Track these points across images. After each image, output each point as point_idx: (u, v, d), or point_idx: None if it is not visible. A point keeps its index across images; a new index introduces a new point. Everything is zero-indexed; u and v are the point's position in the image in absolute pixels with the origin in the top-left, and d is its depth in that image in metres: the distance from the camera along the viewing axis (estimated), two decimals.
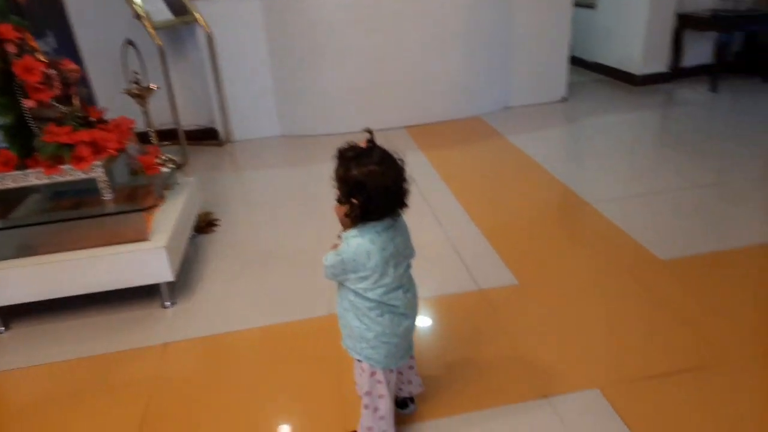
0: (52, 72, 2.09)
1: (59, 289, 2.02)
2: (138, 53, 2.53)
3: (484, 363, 1.73)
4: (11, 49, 2.00)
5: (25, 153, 2.00)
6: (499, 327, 1.89)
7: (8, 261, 1.99)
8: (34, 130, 2.00)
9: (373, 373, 1.35)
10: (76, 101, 2.17)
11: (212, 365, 1.85)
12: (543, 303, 2.01)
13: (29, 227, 1.98)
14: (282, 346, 1.90)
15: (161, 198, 2.28)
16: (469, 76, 4.14)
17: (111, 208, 2.00)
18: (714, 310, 1.89)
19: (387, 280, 1.24)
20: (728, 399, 1.52)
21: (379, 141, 1.21)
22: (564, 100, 4.45)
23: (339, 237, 1.28)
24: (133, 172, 2.28)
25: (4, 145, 2.09)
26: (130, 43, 2.51)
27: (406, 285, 1.32)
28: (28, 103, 2.01)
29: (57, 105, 2.07)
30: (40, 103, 2.03)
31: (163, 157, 2.43)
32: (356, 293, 1.27)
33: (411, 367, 1.51)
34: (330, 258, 1.26)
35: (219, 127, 4.07)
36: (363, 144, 1.20)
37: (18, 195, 2.17)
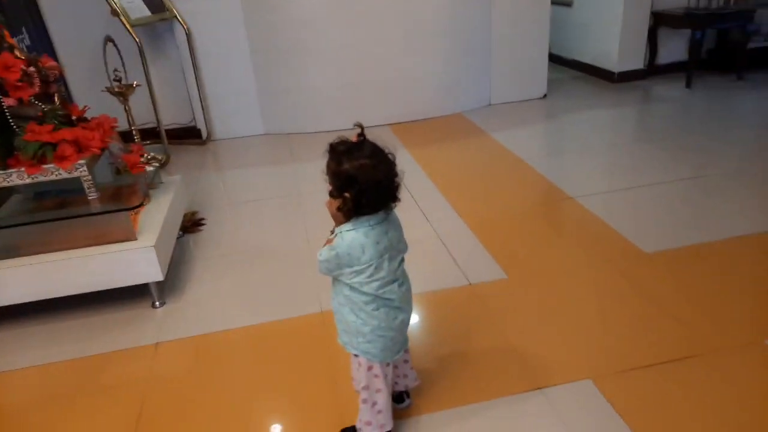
0: (32, 69, 2.04)
1: (49, 290, 1.99)
2: (118, 50, 2.49)
3: (478, 356, 1.75)
4: None
5: (6, 152, 1.95)
6: (490, 321, 1.92)
7: None
8: (15, 129, 1.95)
9: (370, 368, 1.35)
10: (56, 99, 2.12)
11: (205, 364, 1.83)
12: (532, 296, 2.04)
13: (15, 228, 1.93)
14: (274, 344, 1.90)
15: (147, 197, 2.24)
16: (451, 74, 4.16)
17: (97, 207, 1.97)
18: (699, 300, 1.94)
19: (382, 273, 1.25)
20: (716, 387, 1.57)
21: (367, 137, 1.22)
22: (544, 97, 4.51)
23: (332, 233, 1.29)
24: (118, 171, 2.24)
25: None
26: (110, 40, 2.46)
27: (401, 279, 1.33)
28: (7, 102, 1.96)
29: (37, 103, 2.02)
30: (20, 102, 1.99)
31: (147, 156, 2.38)
32: (352, 288, 1.28)
33: (406, 361, 1.52)
34: (324, 253, 1.26)
35: (200, 126, 4.02)
36: (354, 138, 1.21)
37: None
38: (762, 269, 2.12)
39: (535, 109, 4.32)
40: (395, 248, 1.29)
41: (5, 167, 1.93)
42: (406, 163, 3.32)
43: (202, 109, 3.95)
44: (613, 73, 4.77)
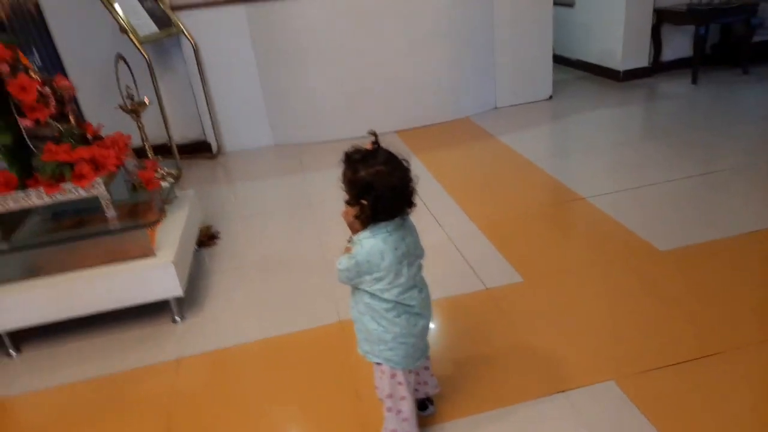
0: (47, 90, 2.08)
1: (70, 310, 2.01)
2: (129, 68, 2.52)
3: (498, 361, 1.75)
4: (4, 68, 1.97)
5: (25, 173, 1.98)
6: (508, 324, 1.92)
7: (17, 283, 1.98)
8: (33, 149, 1.98)
9: (393, 375, 1.36)
10: (72, 118, 2.15)
11: (228, 378, 1.84)
12: (549, 298, 2.04)
13: (36, 248, 1.95)
14: (294, 355, 1.91)
15: (163, 213, 2.26)
16: (456, 79, 4.18)
17: (116, 225, 1.99)
18: (715, 298, 1.94)
19: (402, 279, 1.27)
20: (739, 384, 1.57)
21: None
22: (550, 98, 4.51)
23: (350, 241, 1.30)
24: (133, 188, 2.27)
25: (2, 165, 2.07)
26: (122, 58, 2.49)
27: (420, 285, 1.35)
28: (24, 123, 1.98)
29: (54, 123, 2.05)
30: (37, 122, 2.01)
31: (162, 171, 2.41)
32: (372, 295, 1.29)
33: (426, 368, 1.53)
34: (344, 262, 1.28)
35: (210, 140, 4.05)
36: (368, 146, 1.23)
37: (18, 217, 2.14)
38: None
39: (542, 111, 4.33)
40: (413, 254, 1.30)
41: (24, 187, 1.96)
42: (415, 169, 3.33)
43: (212, 123, 3.99)
44: (618, 72, 4.77)
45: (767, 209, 2.49)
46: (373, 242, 1.23)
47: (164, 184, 2.35)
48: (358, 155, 1.22)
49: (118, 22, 3.23)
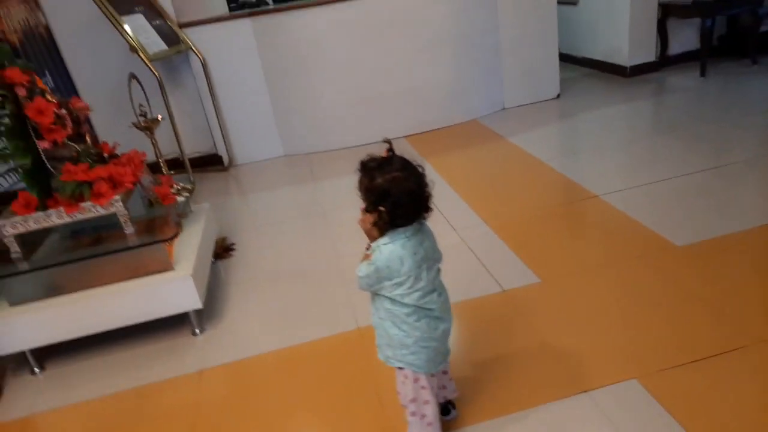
0: (63, 112, 2.12)
1: (92, 326, 2.04)
2: (141, 87, 2.57)
3: (519, 363, 1.75)
4: (21, 92, 2.02)
5: (45, 194, 2.02)
6: (528, 326, 1.92)
7: (39, 302, 2.01)
8: (51, 170, 2.02)
9: (416, 380, 1.37)
10: (88, 138, 2.20)
11: (249, 389, 1.86)
12: (567, 298, 2.04)
13: (58, 267, 1.98)
14: (315, 364, 1.92)
15: (179, 227, 2.29)
16: (462, 81, 4.19)
17: (134, 241, 2.02)
18: (735, 291, 1.92)
19: (422, 283, 1.28)
20: (765, 378, 1.55)
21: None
22: (558, 97, 4.51)
23: (368, 249, 1.32)
24: (150, 204, 2.30)
25: (21, 186, 2.11)
26: (134, 77, 2.53)
27: (439, 288, 1.36)
28: (43, 145, 2.03)
29: (71, 144, 2.09)
30: (55, 144, 2.06)
31: (177, 187, 2.44)
32: (392, 301, 1.30)
33: (445, 372, 1.53)
34: (363, 269, 1.29)
35: (221, 152, 4.09)
36: (384, 154, 1.25)
37: (37, 236, 2.18)
38: None
39: (550, 110, 4.32)
40: (431, 258, 1.32)
41: (44, 208, 2.00)
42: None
43: (222, 136, 4.03)
44: (625, 68, 4.76)
45: None
46: (392, 248, 1.25)
47: (180, 198, 2.38)
48: (374, 163, 1.24)
49: (128, 42, 3.28)
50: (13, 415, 1.91)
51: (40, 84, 2.17)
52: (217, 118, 3.97)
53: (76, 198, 1.98)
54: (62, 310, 2.00)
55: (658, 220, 2.43)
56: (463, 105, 4.27)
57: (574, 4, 5.17)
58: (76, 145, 2.09)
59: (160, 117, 2.57)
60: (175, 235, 2.04)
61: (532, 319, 1.95)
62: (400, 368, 1.38)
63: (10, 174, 2.56)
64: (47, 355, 2.14)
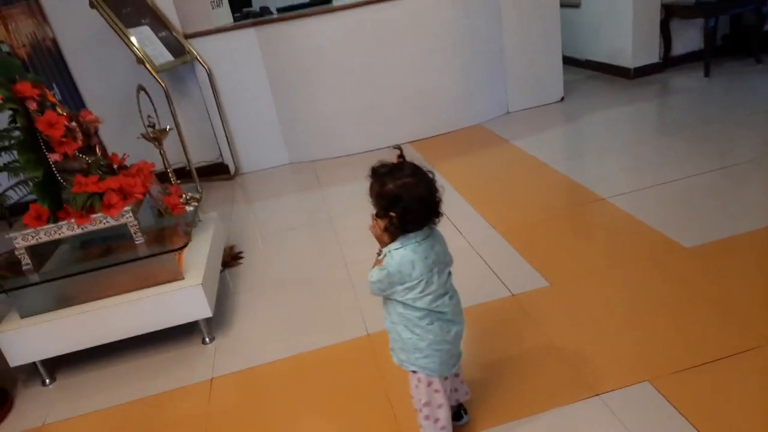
0: (73, 124, 2.14)
1: (102, 336, 2.05)
2: (149, 98, 2.59)
3: (530, 367, 1.75)
4: (32, 106, 2.04)
5: (56, 205, 2.04)
6: (537, 330, 1.92)
7: (51, 313, 2.03)
8: (63, 182, 2.04)
9: (430, 383, 1.38)
10: (98, 150, 2.22)
11: (261, 396, 1.86)
12: (577, 301, 2.03)
13: (68, 278, 2.00)
14: (326, 370, 1.92)
15: (189, 236, 2.31)
16: (466, 86, 4.20)
17: (145, 251, 2.03)
18: (746, 292, 1.91)
19: (433, 287, 1.29)
20: None
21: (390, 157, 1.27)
22: (562, 100, 4.51)
23: (379, 254, 1.33)
24: (159, 214, 2.32)
25: (30, 198, 2.14)
26: (142, 88, 2.56)
27: (451, 291, 1.37)
28: (53, 157, 2.05)
29: (81, 156, 2.11)
30: (66, 156, 2.08)
31: (186, 196, 2.46)
32: (405, 305, 1.31)
33: (456, 375, 1.53)
34: (375, 274, 1.31)
35: (227, 161, 4.12)
36: (394, 160, 1.27)
37: (48, 248, 2.20)
38: None
39: (555, 113, 4.32)
40: (442, 261, 1.33)
41: (56, 220, 2.02)
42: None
43: (228, 145, 4.06)
44: (629, 70, 4.75)
45: None
46: (403, 252, 1.26)
47: (188, 208, 2.40)
48: (385, 169, 1.26)
49: (135, 54, 3.32)
50: (24, 426, 1.92)
51: (51, 98, 2.20)
52: (223, 127, 4.00)
53: (87, 209, 2.00)
54: (73, 320, 2.02)
55: (665, 222, 2.43)
56: (468, 110, 4.28)
57: (577, 6, 5.18)
58: (86, 157, 2.11)
59: (168, 128, 2.59)
60: (185, 245, 2.06)
61: (541, 322, 1.95)
62: (414, 372, 1.38)
63: (20, 186, 2.59)
64: (58, 365, 2.16)
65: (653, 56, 4.75)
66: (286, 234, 3.08)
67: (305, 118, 4.08)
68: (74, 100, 3.87)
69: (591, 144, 3.70)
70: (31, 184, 2.08)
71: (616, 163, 3.24)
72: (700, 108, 3.89)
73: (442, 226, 1.36)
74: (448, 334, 1.35)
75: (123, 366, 2.13)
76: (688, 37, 4.76)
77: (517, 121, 4.29)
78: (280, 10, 5.09)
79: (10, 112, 2.04)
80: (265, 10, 5.00)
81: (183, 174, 3.74)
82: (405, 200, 1.22)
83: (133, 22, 3.50)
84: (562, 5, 4.34)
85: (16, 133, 2.12)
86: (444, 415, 1.40)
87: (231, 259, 2.74)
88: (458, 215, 2.84)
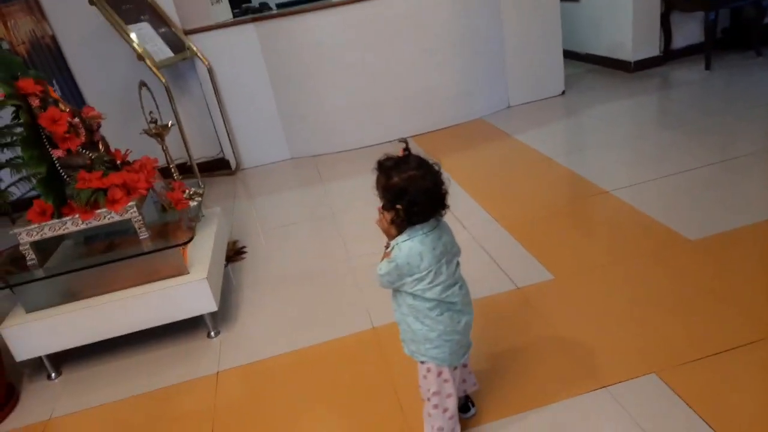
0: (76, 120, 2.14)
1: (108, 330, 2.06)
2: (151, 94, 2.58)
3: (536, 360, 1.76)
4: (35, 102, 2.04)
5: (60, 201, 2.04)
6: (543, 323, 1.92)
7: (56, 308, 2.03)
8: (66, 178, 2.04)
9: (439, 373, 1.39)
10: (101, 146, 2.21)
11: (267, 390, 1.87)
12: (582, 294, 2.04)
13: (74, 273, 2.00)
14: (332, 363, 1.93)
15: (193, 231, 2.31)
16: (467, 81, 4.20)
17: (149, 246, 2.03)
18: (751, 283, 1.92)
19: (442, 278, 1.30)
20: None
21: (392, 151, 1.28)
22: (563, 93, 4.51)
23: (387, 247, 1.33)
24: (163, 209, 2.31)
25: (33, 193, 2.13)
26: (144, 84, 2.55)
27: (460, 281, 1.38)
28: (57, 153, 2.05)
29: (85, 152, 2.11)
30: (69, 152, 2.07)
31: (190, 192, 2.46)
32: (414, 296, 1.32)
33: (465, 366, 1.54)
34: (384, 267, 1.31)
35: (229, 156, 4.11)
36: (400, 153, 1.28)
37: (51, 243, 2.20)
38: None
39: (555, 107, 4.32)
40: (450, 252, 1.34)
41: (60, 216, 2.02)
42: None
43: (229, 140, 4.05)
44: (630, 63, 4.75)
45: None
46: (411, 244, 1.27)
47: (192, 203, 2.40)
48: (391, 162, 1.27)
49: (135, 50, 3.30)
50: (30, 420, 1.93)
51: (53, 94, 2.19)
52: (224, 122, 3.99)
53: (91, 205, 1.99)
54: (78, 315, 2.02)
55: (669, 215, 2.43)
56: (469, 104, 4.27)
57: (577, 0, 5.17)
58: (89, 153, 2.11)
59: (170, 123, 2.58)
60: (190, 239, 2.05)
61: (547, 315, 1.95)
62: (423, 362, 1.39)
63: (23, 182, 2.59)
64: (63, 360, 2.16)
65: (654, 49, 4.74)
66: (289, 229, 3.08)
67: (306, 113, 4.08)
68: (74, 96, 3.85)
69: (593, 137, 3.70)
70: (34, 180, 2.08)
71: (619, 156, 3.25)
72: (701, 101, 3.89)
73: (446, 220, 1.36)
74: (458, 324, 1.36)
75: (129, 360, 2.13)
76: (689, 30, 4.75)
77: (518, 115, 4.28)
78: (279, 5, 5.07)
79: (13, 109, 2.04)
80: (264, 6, 4.99)
81: (184, 169, 3.72)
82: (411, 193, 1.23)
83: (133, 19, 3.49)
84: None
85: (19, 129, 2.11)
86: (452, 404, 1.41)
87: (234, 253, 2.74)
88: (461, 209, 2.84)
